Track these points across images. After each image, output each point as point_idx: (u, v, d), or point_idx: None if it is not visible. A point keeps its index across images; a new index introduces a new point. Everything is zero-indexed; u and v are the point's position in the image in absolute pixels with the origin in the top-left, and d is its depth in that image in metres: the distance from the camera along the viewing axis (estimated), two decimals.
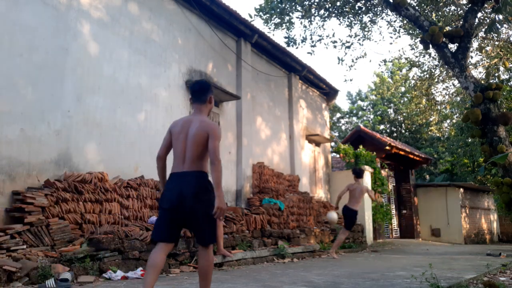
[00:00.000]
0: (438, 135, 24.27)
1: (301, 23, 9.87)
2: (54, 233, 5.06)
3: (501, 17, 6.40)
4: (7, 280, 4.08)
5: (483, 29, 9.30)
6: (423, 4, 8.92)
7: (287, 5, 8.91)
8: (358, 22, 10.06)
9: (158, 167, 3.39)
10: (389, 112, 27.76)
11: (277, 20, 9.31)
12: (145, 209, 6.61)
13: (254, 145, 10.21)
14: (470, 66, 8.66)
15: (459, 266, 6.96)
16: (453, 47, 6.17)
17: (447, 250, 12.29)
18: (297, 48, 10.41)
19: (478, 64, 12.56)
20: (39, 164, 5.54)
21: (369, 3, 9.30)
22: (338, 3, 9.10)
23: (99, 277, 4.78)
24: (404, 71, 22.74)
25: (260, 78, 10.89)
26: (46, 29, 5.82)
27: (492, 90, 5.50)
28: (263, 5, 9.06)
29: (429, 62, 13.00)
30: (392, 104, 27.66)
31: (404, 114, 25.06)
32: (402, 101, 26.65)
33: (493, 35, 10.23)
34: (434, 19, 9.41)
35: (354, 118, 30.31)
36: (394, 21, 10.98)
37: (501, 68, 11.75)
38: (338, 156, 15.83)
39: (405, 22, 10.42)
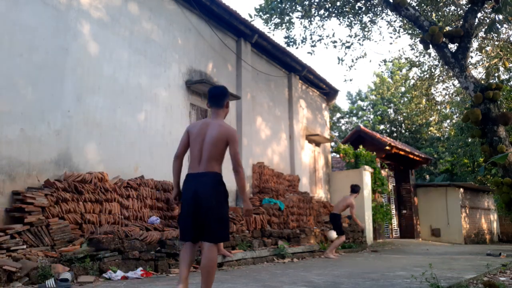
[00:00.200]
0: (438, 135, 24.27)
1: (301, 23, 9.87)
2: (54, 233, 5.06)
3: (501, 17, 6.40)
4: (7, 280, 4.08)
5: (483, 29, 9.30)
6: (423, 4, 8.91)
7: (287, 5, 8.91)
8: (358, 22, 10.06)
9: (174, 166, 3.51)
10: (389, 112, 27.76)
11: (277, 20, 9.31)
12: (145, 209, 6.61)
13: (254, 145, 10.21)
14: (470, 66, 8.66)
15: (459, 266, 6.96)
16: (453, 47, 6.17)
17: (447, 250, 12.29)
18: (297, 48, 10.43)
19: (478, 64, 12.56)
20: (39, 164, 5.54)
21: (369, 3, 9.30)
22: (338, 3, 9.10)
23: (99, 277, 4.77)
24: (404, 71, 22.74)
25: (260, 78, 10.89)
26: (46, 29, 5.82)
27: (492, 90, 5.50)
28: (263, 5, 9.06)
29: (429, 62, 13.00)
30: (392, 104, 27.66)
31: (404, 114, 25.06)
32: (402, 101, 26.65)
33: (493, 35, 10.23)
34: (434, 19, 9.40)
35: (354, 118, 30.31)
36: (394, 21, 10.98)
37: (501, 68, 11.74)
38: (338, 156, 15.84)
39: (405, 22, 10.42)
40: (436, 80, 13.48)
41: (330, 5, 9.00)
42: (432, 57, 12.56)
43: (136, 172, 6.96)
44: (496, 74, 12.14)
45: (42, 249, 4.82)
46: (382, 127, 27.56)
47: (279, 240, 8.40)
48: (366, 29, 10.39)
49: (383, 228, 15.32)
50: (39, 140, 5.57)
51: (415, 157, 16.91)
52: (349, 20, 9.89)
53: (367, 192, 13.17)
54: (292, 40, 9.89)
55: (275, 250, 7.85)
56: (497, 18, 6.47)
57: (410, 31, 11.02)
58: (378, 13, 9.91)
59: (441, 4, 9.18)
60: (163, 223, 6.70)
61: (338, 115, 30.72)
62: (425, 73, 13.24)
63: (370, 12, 9.72)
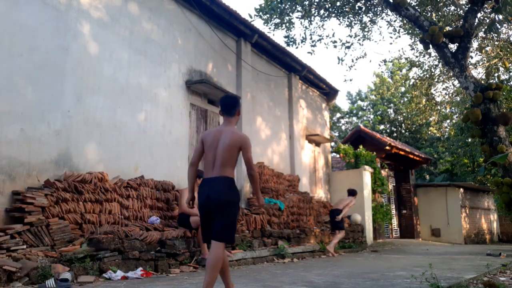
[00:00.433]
0: (438, 135, 24.27)
1: (301, 23, 9.87)
2: (54, 233, 5.06)
3: (501, 17, 6.40)
4: (7, 280, 4.08)
5: (483, 29, 9.30)
6: (423, 4, 8.91)
7: (287, 5, 8.91)
8: (358, 22, 10.06)
9: (189, 172, 3.74)
10: (389, 112, 27.76)
11: (277, 20, 9.31)
12: (145, 209, 6.61)
13: (254, 145, 10.19)
14: (470, 66, 8.66)
15: (459, 266, 6.96)
16: (453, 47, 6.17)
17: (447, 250, 12.29)
18: (297, 47, 10.40)
19: (478, 64, 12.56)
20: (39, 164, 5.54)
21: (369, 3, 9.30)
22: (338, 3, 9.10)
23: (99, 277, 4.78)
24: (404, 71, 22.74)
25: (260, 78, 10.89)
26: (46, 29, 5.82)
27: (492, 90, 5.50)
28: (263, 5, 9.06)
29: (429, 62, 13.01)
30: (392, 104, 27.67)
31: (404, 114, 25.05)
32: (402, 101, 26.66)
33: (493, 35, 10.23)
34: (434, 19, 9.40)
35: (354, 118, 30.32)
36: (394, 21, 10.98)
37: (501, 68, 11.74)
38: (338, 156, 15.84)
39: (405, 22, 10.42)
40: (436, 80, 13.48)
41: (330, 5, 9.00)
42: (432, 57, 12.57)
43: (136, 172, 6.96)
44: (496, 74, 12.14)
45: (42, 249, 4.82)
46: (382, 127, 27.57)
47: (279, 240, 8.40)
48: (366, 29, 10.39)
49: (383, 228, 15.32)
50: (39, 140, 5.57)
51: (415, 157, 16.91)
52: (349, 20, 9.89)
53: (367, 192, 13.17)
54: (292, 39, 9.89)
55: (275, 250, 7.85)
56: (497, 18, 6.47)
57: (410, 31, 11.02)
58: (378, 13, 9.91)
59: (441, 4, 9.18)
60: (163, 223, 6.70)
61: (338, 115, 30.73)
62: (425, 72, 13.24)
63: (370, 12, 9.72)
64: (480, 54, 12.01)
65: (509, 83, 13.65)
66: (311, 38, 10.19)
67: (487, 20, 8.79)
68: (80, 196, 5.64)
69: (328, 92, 14.47)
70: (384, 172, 15.87)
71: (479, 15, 8.09)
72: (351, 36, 10.99)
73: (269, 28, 9.51)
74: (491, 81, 10.91)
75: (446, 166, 24.09)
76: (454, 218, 17.19)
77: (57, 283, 4.13)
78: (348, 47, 10.78)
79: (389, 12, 9.81)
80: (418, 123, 23.19)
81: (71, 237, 5.25)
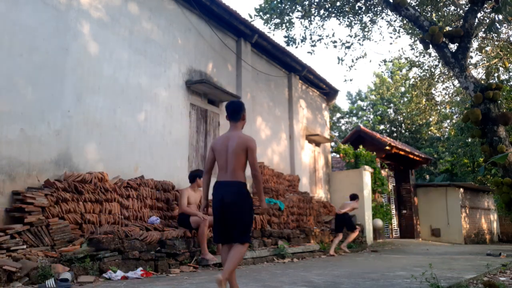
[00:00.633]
0: (438, 135, 24.27)
1: (301, 23, 9.87)
2: (54, 233, 5.06)
3: (501, 17, 6.39)
4: (7, 280, 4.08)
5: (483, 29, 9.30)
6: (423, 4, 8.91)
7: (287, 5, 8.91)
8: (358, 22, 10.06)
9: (204, 180, 3.92)
10: (389, 112, 27.76)
11: (277, 20, 9.30)
12: (145, 209, 6.61)
13: None
14: (470, 66, 8.66)
15: (459, 266, 6.96)
16: (453, 47, 6.17)
17: (447, 250, 12.29)
18: (296, 47, 10.40)
19: (478, 64, 12.56)
20: (39, 164, 5.54)
21: (369, 3, 9.30)
22: (338, 3, 9.10)
23: (99, 277, 4.77)
24: (404, 71, 22.73)
25: (260, 78, 10.89)
26: (46, 29, 5.82)
27: (492, 90, 5.50)
28: (263, 5, 9.06)
29: (429, 62, 13.00)
30: (392, 104, 27.67)
31: (404, 114, 25.06)
32: (402, 101, 26.66)
33: (493, 35, 10.23)
34: (434, 19, 9.40)
35: (354, 118, 30.33)
36: (394, 21, 10.98)
37: (501, 68, 11.74)
38: (338, 156, 15.83)
39: (405, 22, 10.42)
40: (436, 80, 13.48)
41: (330, 5, 9.00)
42: (432, 57, 12.57)
43: (136, 172, 6.96)
44: (496, 74, 12.14)
45: (42, 249, 4.82)
46: (382, 127, 27.57)
47: (279, 240, 8.40)
48: (366, 29, 10.39)
49: (383, 228, 15.32)
50: (39, 140, 5.57)
51: (415, 157, 16.91)
52: (349, 20, 9.89)
53: (367, 192, 13.17)
54: (292, 39, 9.88)
55: (275, 250, 7.85)
56: (497, 18, 6.47)
57: (410, 31, 11.02)
58: (378, 13, 9.91)
59: (441, 4, 9.18)
60: (163, 223, 6.70)
61: (338, 115, 30.74)
62: (425, 72, 13.24)
63: (370, 12, 9.72)
64: (480, 54, 12.01)
65: (509, 83, 13.64)
66: (311, 38, 10.19)
67: (487, 20, 8.79)
68: (80, 196, 5.64)
69: (328, 92, 14.47)
70: (384, 172, 15.87)
71: (479, 15, 8.09)
72: (351, 36, 11.00)
73: (269, 28, 9.51)
74: (491, 81, 10.91)
75: (446, 166, 24.08)
76: (454, 218, 17.18)
77: (57, 283, 4.13)
78: (348, 47, 10.78)
79: (389, 12, 9.81)
80: (418, 123, 23.18)
81: (71, 237, 5.25)
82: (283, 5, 8.88)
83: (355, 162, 13.81)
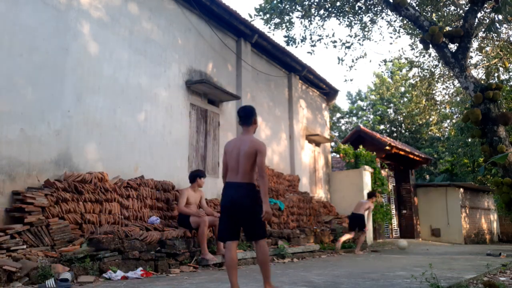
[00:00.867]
0: (438, 135, 24.26)
1: (301, 23, 9.87)
2: (54, 233, 5.06)
3: (501, 17, 6.40)
4: (7, 280, 4.08)
5: (483, 29, 9.30)
6: (423, 4, 8.91)
7: (287, 5, 8.91)
8: (358, 22, 10.06)
9: (224, 182, 4.06)
10: (389, 112, 27.76)
11: (277, 20, 9.31)
12: (145, 209, 6.61)
13: None
14: (470, 66, 8.66)
15: (459, 266, 6.96)
16: (453, 47, 6.17)
17: (447, 250, 12.29)
18: (296, 47, 10.42)
19: (478, 64, 12.56)
20: (39, 164, 5.54)
21: (369, 2, 9.30)
22: (338, 3, 9.10)
23: (99, 277, 4.77)
24: (404, 71, 22.74)
25: (260, 78, 10.89)
26: (46, 29, 5.82)
27: (492, 90, 5.50)
28: (263, 5, 9.06)
29: (429, 62, 13.01)
30: (392, 104, 27.66)
31: (404, 114, 25.06)
32: (402, 101, 26.65)
33: (493, 35, 10.23)
34: (434, 19, 9.40)
35: (354, 118, 30.32)
36: (394, 21, 10.98)
37: (501, 68, 11.74)
38: (338, 156, 15.83)
39: (405, 22, 10.42)
40: (436, 80, 13.48)
41: (330, 5, 9.00)
42: (432, 57, 12.57)
43: (136, 172, 6.96)
44: (496, 74, 12.13)
45: (42, 249, 4.82)
46: (382, 127, 27.56)
47: (279, 240, 8.40)
48: (366, 29, 10.39)
49: (383, 228, 15.31)
50: (39, 140, 5.57)
51: (415, 157, 16.90)
52: (349, 20, 9.89)
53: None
54: (292, 39, 9.89)
55: (275, 250, 7.85)
56: (497, 18, 6.48)
57: (410, 31, 11.02)
58: (378, 13, 9.91)
59: (441, 4, 9.18)
60: (163, 223, 6.70)
61: (338, 115, 30.73)
62: (425, 71, 13.24)
63: (370, 12, 9.72)
64: (480, 54, 12.01)
65: (509, 83, 13.64)
66: (311, 38, 10.20)
67: (487, 20, 8.79)
68: (80, 196, 5.64)
69: (328, 92, 14.47)
70: (384, 172, 15.87)
71: (479, 15, 8.09)
72: (351, 36, 11.01)
73: (269, 28, 9.52)
74: (491, 81, 10.91)
75: (446, 166, 24.08)
76: (454, 218, 17.18)
77: (57, 283, 4.13)
78: (348, 47, 10.78)
79: (389, 12, 9.81)
80: (418, 123, 23.19)
81: (71, 237, 5.25)
82: (283, 5, 8.88)
83: (355, 162, 13.81)
